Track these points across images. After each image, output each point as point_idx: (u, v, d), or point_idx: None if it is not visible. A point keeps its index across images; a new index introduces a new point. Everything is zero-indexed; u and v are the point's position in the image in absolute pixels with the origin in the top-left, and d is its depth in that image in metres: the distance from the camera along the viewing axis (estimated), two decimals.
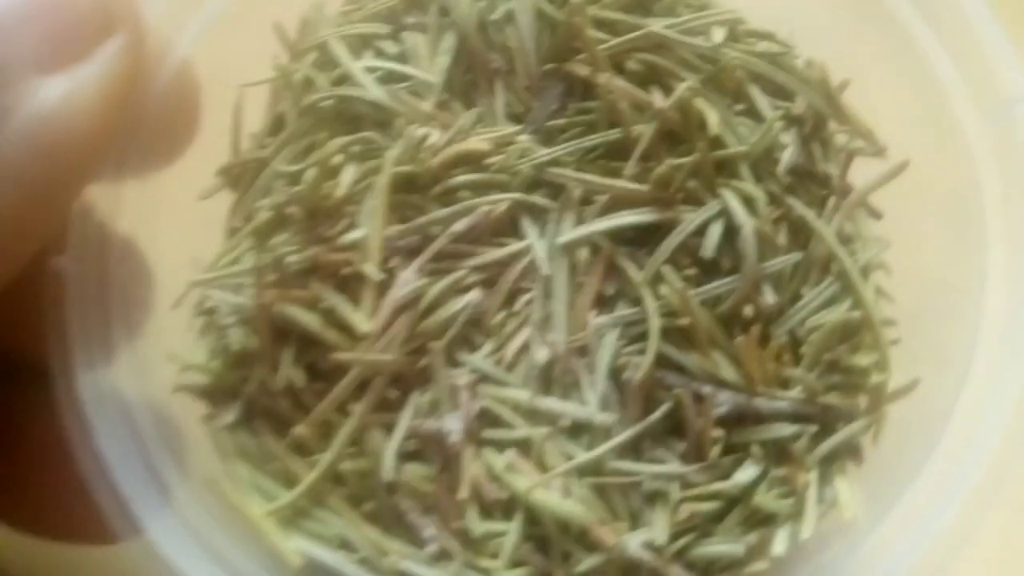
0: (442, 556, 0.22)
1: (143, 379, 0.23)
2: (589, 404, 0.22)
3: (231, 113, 0.26)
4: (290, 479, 0.23)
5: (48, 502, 0.23)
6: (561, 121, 0.24)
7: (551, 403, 0.22)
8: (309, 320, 0.22)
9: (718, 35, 0.24)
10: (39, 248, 0.20)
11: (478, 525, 0.22)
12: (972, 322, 0.24)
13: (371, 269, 0.22)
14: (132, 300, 0.23)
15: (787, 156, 0.24)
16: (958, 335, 0.24)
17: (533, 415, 0.23)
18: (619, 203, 0.23)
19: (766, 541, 0.23)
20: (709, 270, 0.23)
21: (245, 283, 0.24)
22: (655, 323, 0.23)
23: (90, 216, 0.22)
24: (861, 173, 0.25)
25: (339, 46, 0.24)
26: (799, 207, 0.24)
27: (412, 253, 0.23)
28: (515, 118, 0.24)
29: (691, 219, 0.23)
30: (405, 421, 0.22)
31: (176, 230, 0.25)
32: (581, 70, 0.23)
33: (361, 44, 0.25)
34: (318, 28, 0.25)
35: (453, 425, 0.22)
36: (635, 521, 0.22)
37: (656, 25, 0.24)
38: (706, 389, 0.23)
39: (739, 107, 0.24)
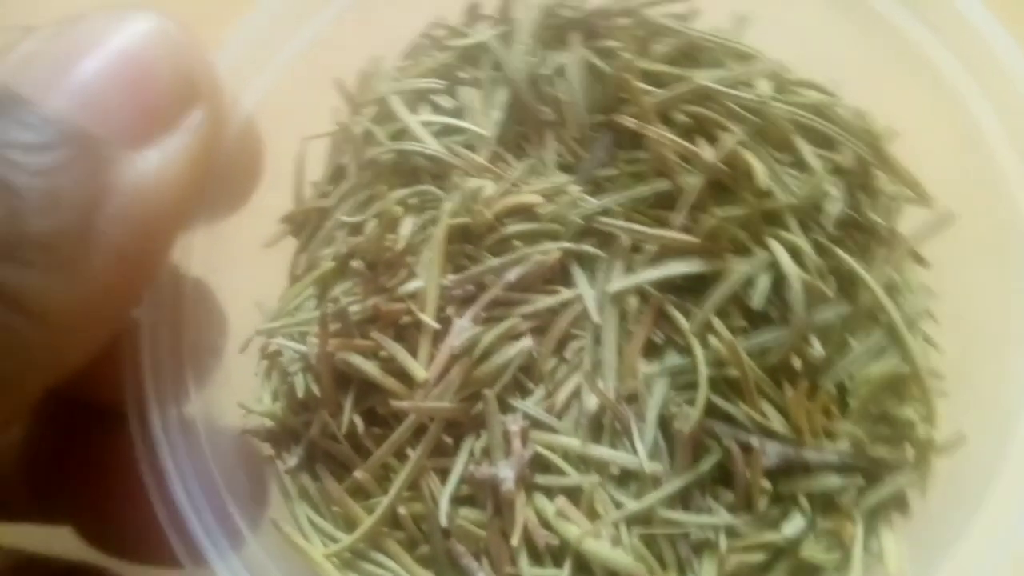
0: None
1: (213, 422, 0.24)
2: (638, 453, 0.23)
3: (294, 164, 0.27)
4: (349, 522, 0.24)
5: (128, 530, 0.24)
6: (611, 172, 0.24)
7: (601, 451, 0.23)
8: (369, 368, 0.23)
9: (764, 87, 0.24)
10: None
11: (529, 571, 0.23)
12: (1020, 373, 0.24)
13: (428, 319, 0.23)
14: (204, 345, 0.24)
15: (833, 207, 0.24)
16: (1006, 386, 0.24)
17: (583, 462, 0.23)
18: (668, 253, 0.24)
19: None
20: (757, 321, 0.24)
21: (308, 331, 0.25)
22: (704, 373, 0.23)
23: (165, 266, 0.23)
24: (908, 222, 0.26)
25: (396, 101, 0.25)
26: (846, 258, 0.24)
27: (467, 302, 0.24)
28: (566, 168, 0.25)
29: (740, 270, 0.23)
30: (459, 467, 0.23)
31: (242, 276, 0.26)
32: (629, 123, 0.24)
33: (417, 98, 0.26)
34: (376, 83, 0.26)
35: (506, 472, 0.23)
36: (683, 571, 0.23)
37: (702, 77, 0.24)
38: (754, 440, 0.23)
39: (785, 158, 0.25)
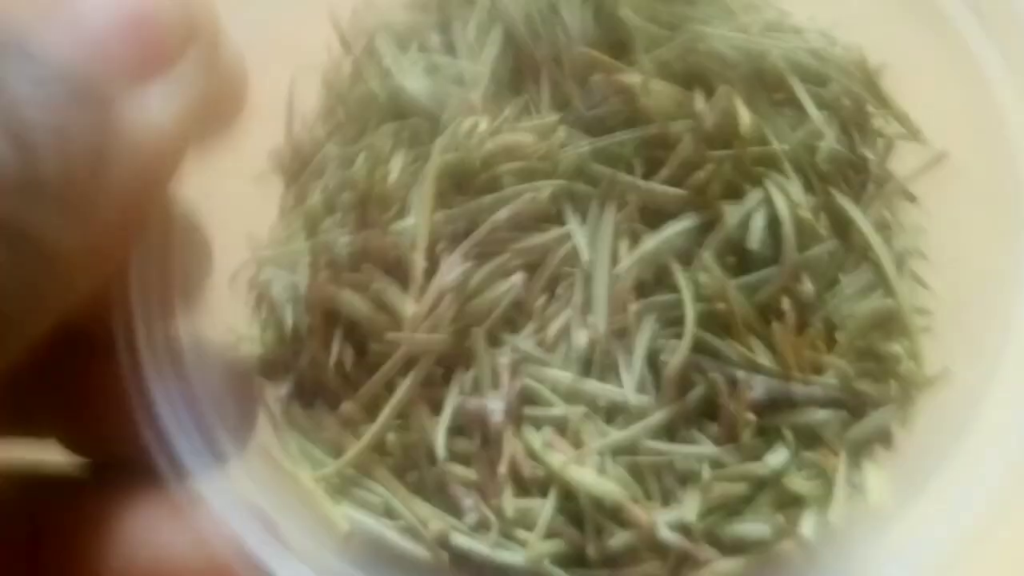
0: (481, 527, 0.23)
1: (200, 346, 0.24)
2: (626, 386, 0.23)
3: (285, 97, 0.27)
4: (339, 451, 0.24)
5: (116, 445, 0.24)
6: (603, 112, 0.24)
7: (589, 385, 0.23)
8: (358, 304, 0.23)
9: (759, 30, 0.24)
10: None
11: (514, 501, 0.23)
12: (1007, 311, 0.24)
13: (418, 257, 0.23)
14: (192, 274, 0.25)
15: (825, 147, 0.24)
16: (993, 323, 0.24)
17: (572, 396, 0.23)
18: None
19: (794, 523, 0.23)
20: (747, 258, 0.24)
21: (298, 261, 0.25)
22: (691, 309, 0.23)
23: None
24: (902, 162, 0.26)
25: (386, 39, 0.25)
26: (837, 196, 0.24)
27: (458, 239, 0.24)
28: (560, 107, 0.25)
29: (734, 213, 0.23)
30: (452, 399, 0.23)
31: (232, 208, 0.26)
32: (626, 78, 0.24)
33: (410, 34, 0.26)
34: (368, 17, 0.26)
35: (495, 405, 0.23)
36: (667, 500, 0.23)
37: (699, 22, 0.24)
38: (740, 374, 0.23)
39: (779, 96, 0.25)
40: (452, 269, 0.23)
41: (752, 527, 0.23)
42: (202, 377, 0.23)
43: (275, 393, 0.25)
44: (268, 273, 0.25)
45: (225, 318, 0.26)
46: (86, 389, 0.24)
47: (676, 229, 0.23)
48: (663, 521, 0.22)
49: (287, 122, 0.27)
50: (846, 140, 0.25)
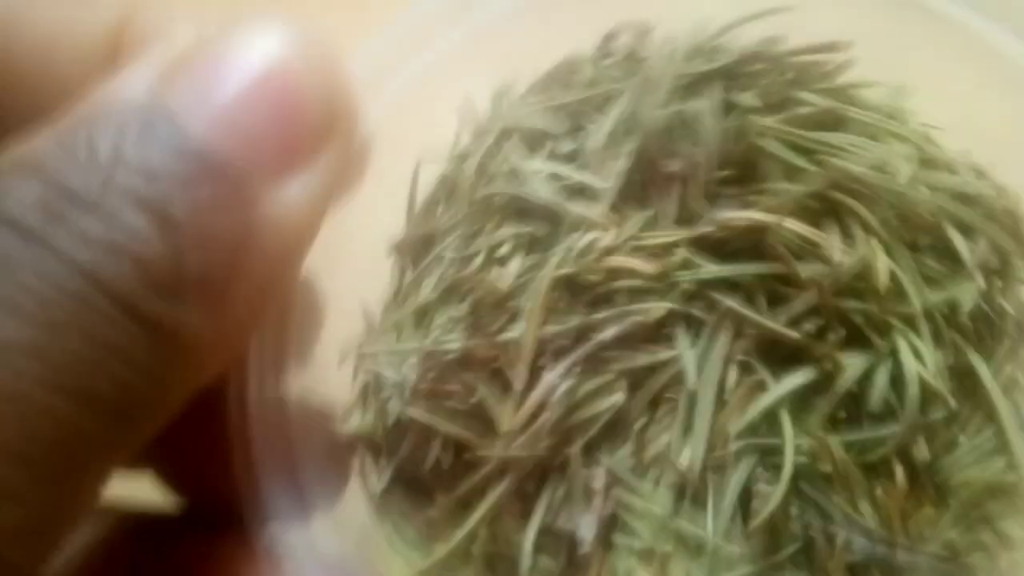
0: None
1: (307, 411, 0.25)
2: (713, 527, 0.23)
3: (409, 182, 0.27)
4: (428, 547, 0.24)
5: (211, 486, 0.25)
6: (728, 236, 0.24)
7: (678, 522, 0.23)
8: (451, 427, 0.24)
9: (906, 168, 0.23)
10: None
11: None
12: None
13: (522, 369, 0.23)
14: (306, 337, 0.25)
15: (966, 302, 0.23)
16: None
17: (661, 529, 0.23)
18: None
19: None
20: (862, 411, 0.23)
21: (407, 356, 0.25)
22: (791, 454, 0.22)
23: None
24: None
25: (516, 140, 0.25)
26: (970, 354, 0.23)
27: (564, 353, 0.24)
28: (684, 223, 0.24)
29: (854, 367, 0.22)
30: (540, 513, 0.23)
31: (348, 282, 0.26)
32: (757, 214, 0.23)
33: (540, 136, 0.25)
34: (500, 114, 0.26)
35: (585, 529, 0.23)
36: None
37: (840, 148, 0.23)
38: (839, 530, 0.23)
39: (924, 241, 0.23)
40: (553, 382, 0.23)
41: None
42: (303, 437, 0.24)
43: (372, 471, 0.26)
44: (376, 362, 0.26)
45: (331, 388, 0.27)
46: (193, 428, 0.25)
47: (793, 383, 0.23)
48: None
49: (408, 206, 0.27)
50: (987, 294, 0.23)
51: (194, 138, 0.18)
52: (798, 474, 0.22)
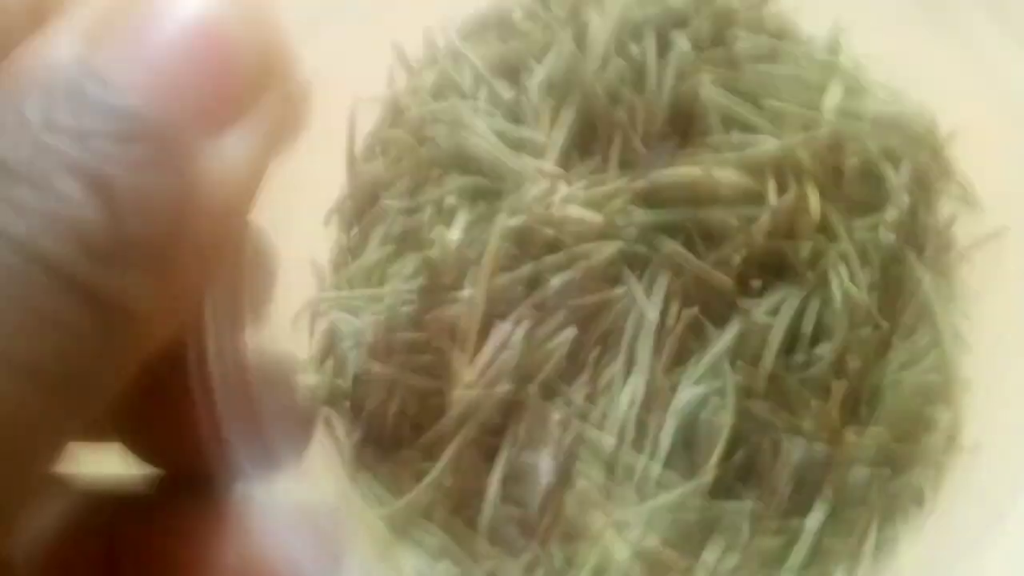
0: (533, 566, 0.25)
1: (266, 367, 0.25)
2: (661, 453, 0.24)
3: (346, 128, 0.27)
4: (400, 493, 0.26)
5: (179, 449, 0.25)
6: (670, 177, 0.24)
7: (627, 455, 0.24)
8: (416, 380, 0.25)
9: (834, 99, 0.24)
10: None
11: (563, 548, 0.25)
12: None
13: (473, 324, 0.24)
14: (259, 293, 0.25)
15: (890, 224, 0.24)
16: None
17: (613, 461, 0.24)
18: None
19: None
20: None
21: (362, 309, 0.26)
22: (731, 384, 0.24)
23: None
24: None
25: (452, 91, 0.25)
26: (900, 265, 0.25)
27: (515, 300, 0.24)
28: (626, 165, 0.25)
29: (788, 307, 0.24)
30: (504, 452, 0.25)
31: (296, 236, 0.26)
32: (695, 172, 0.24)
33: (478, 81, 0.25)
34: (437, 56, 0.26)
35: (545, 464, 0.24)
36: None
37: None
38: (782, 439, 0.24)
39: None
40: (508, 330, 0.24)
41: None
42: (264, 393, 0.25)
43: (336, 425, 0.27)
44: (331, 315, 0.26)
45: (289, 344, 0.27)
46: (156, 397, 0.24)
47: (729, 337, 0.24)
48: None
49: (347, 160, 0.27)
50: (911, 212, 0.25)
51: (125, 96, 0.18)
52: (739, 398, 0.24)
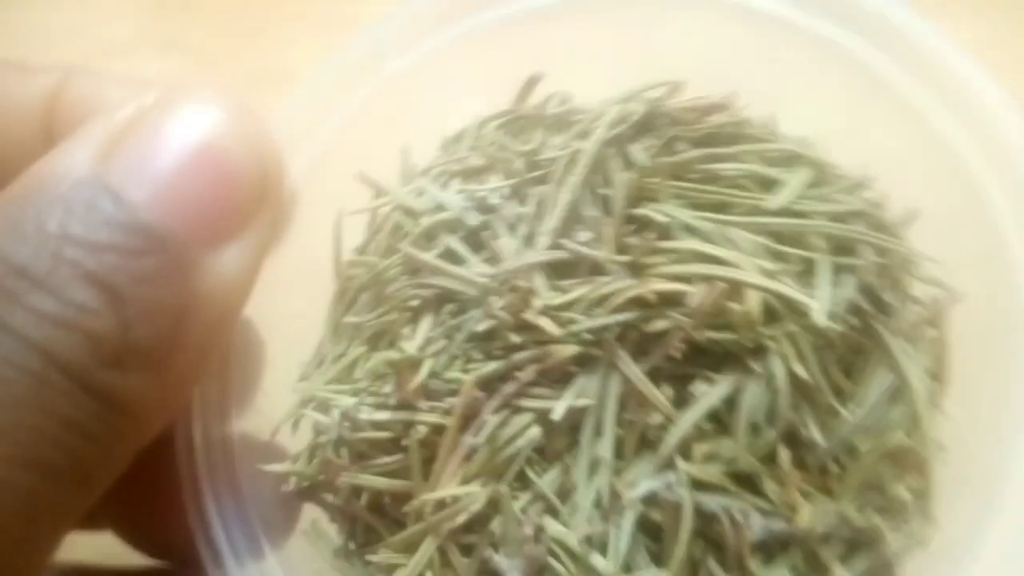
0: None
1: (250, 449, 0.27)
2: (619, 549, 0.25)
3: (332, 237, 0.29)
4: None
5: (167, 538, 0.27)
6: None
7: (595, 558, 0.25)
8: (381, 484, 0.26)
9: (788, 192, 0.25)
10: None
11: None
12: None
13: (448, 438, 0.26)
14: (247, 385, 0.27)
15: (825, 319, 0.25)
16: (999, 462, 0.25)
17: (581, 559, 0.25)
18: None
19: None
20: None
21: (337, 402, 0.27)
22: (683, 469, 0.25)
23: None
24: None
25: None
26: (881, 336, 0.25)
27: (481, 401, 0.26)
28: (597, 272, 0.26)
29: (720, 391, 0.25)
30: (477, 555, 0.26)
31: (282, 327, 0.28)
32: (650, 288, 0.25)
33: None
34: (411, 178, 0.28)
35: (513, 572, 0.25)
36: None
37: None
38: (738, 514, 0.25)
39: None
40: (465, 447, 0.26)
41: None
42: (250, 481, 0.26)
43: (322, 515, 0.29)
44: (309, 413, 0.28)
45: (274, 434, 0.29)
46: (147, 486, 0.26)
47: (679, 432, 0.25)
48: None
49: (335, 263, 0.29)
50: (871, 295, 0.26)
51: (136, 212, 0.20)
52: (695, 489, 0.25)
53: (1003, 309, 0.26)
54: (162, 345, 0.20)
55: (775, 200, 0.26)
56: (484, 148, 0.28)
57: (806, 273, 0.25)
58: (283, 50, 0.55)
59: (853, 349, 0.26)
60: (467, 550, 0.26)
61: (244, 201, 0.21)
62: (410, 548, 0.26)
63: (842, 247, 0.26)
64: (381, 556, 0.27)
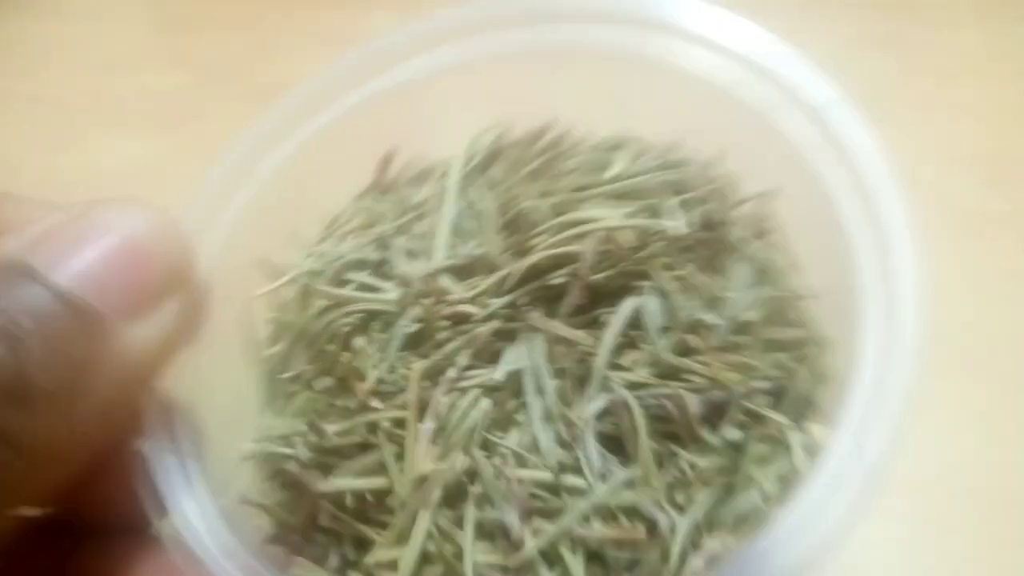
0: None
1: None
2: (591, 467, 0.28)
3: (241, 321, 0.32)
4: None
5: None
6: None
7: (567, 479, 0.28)
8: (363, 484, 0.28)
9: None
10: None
11: None
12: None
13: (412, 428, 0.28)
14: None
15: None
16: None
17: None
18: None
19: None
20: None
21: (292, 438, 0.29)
22: (637, 409, 0.29)
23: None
24: None
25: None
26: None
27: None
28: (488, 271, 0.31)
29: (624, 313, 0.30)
30: (470, 515, 0.28)
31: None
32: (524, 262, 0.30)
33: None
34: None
35: (511, 519, 0.27)
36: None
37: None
38: (678, 398, 0.28)
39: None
40: (426, 432, 0.29)
41: (745, 501, 0.28)
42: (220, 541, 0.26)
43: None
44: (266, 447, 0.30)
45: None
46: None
47: (605, 352, 0.29)
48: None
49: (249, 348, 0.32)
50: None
51: (52, 284, 0.23)
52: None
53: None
54: (63, 391, 0.22)
55: (611, 171, 0.32)
56: (361, 214, 0.33)
57: (655, 214, 0.31)
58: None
59: (712, 255, 0.31)
60: (458, 521, 0.28)
61: (154, 286, 0.25)
62: (402, 538, 0.28)
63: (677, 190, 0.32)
64: (379, 555, 0.28)
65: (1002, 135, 0.54)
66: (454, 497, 0.28)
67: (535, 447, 0.29)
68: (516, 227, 0.32)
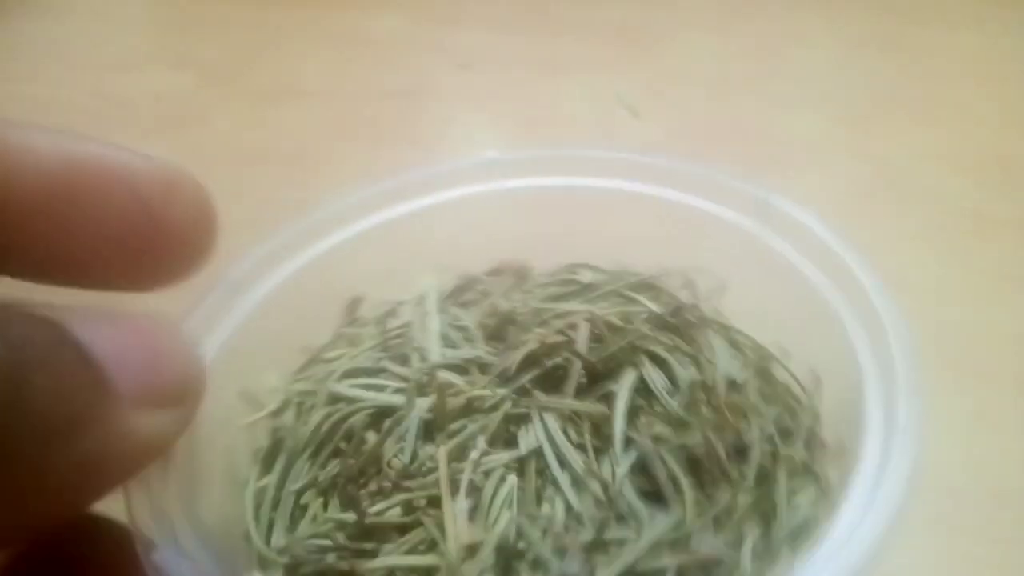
0: None
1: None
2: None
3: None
4: None
5: None
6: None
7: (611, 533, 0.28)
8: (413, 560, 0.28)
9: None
10: None
11: None
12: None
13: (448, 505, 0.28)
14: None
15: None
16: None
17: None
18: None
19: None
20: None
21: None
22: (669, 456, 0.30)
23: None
24: None
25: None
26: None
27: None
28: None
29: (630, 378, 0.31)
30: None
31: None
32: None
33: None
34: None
35: (572, 567, 0.27)
36: None
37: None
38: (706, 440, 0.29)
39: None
40: (461, 512, 0.28)
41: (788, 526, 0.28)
42: None
43: None
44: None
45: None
46: None
47: (620, 415, 0.30)
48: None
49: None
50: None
51: (74, 334, 0.22)
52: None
53: None
54: (47, 432, 0.21)
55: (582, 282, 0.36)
56: (342, 342, 0.35)
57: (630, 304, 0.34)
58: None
59: (688, 332, 0.34)
60: None
61: (168, 384, 0.25)
62: None
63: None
64: None
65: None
66: (505, 564, 0.28)
67: (570, 515, 0.29)
68: (502, 333, 0.34)
